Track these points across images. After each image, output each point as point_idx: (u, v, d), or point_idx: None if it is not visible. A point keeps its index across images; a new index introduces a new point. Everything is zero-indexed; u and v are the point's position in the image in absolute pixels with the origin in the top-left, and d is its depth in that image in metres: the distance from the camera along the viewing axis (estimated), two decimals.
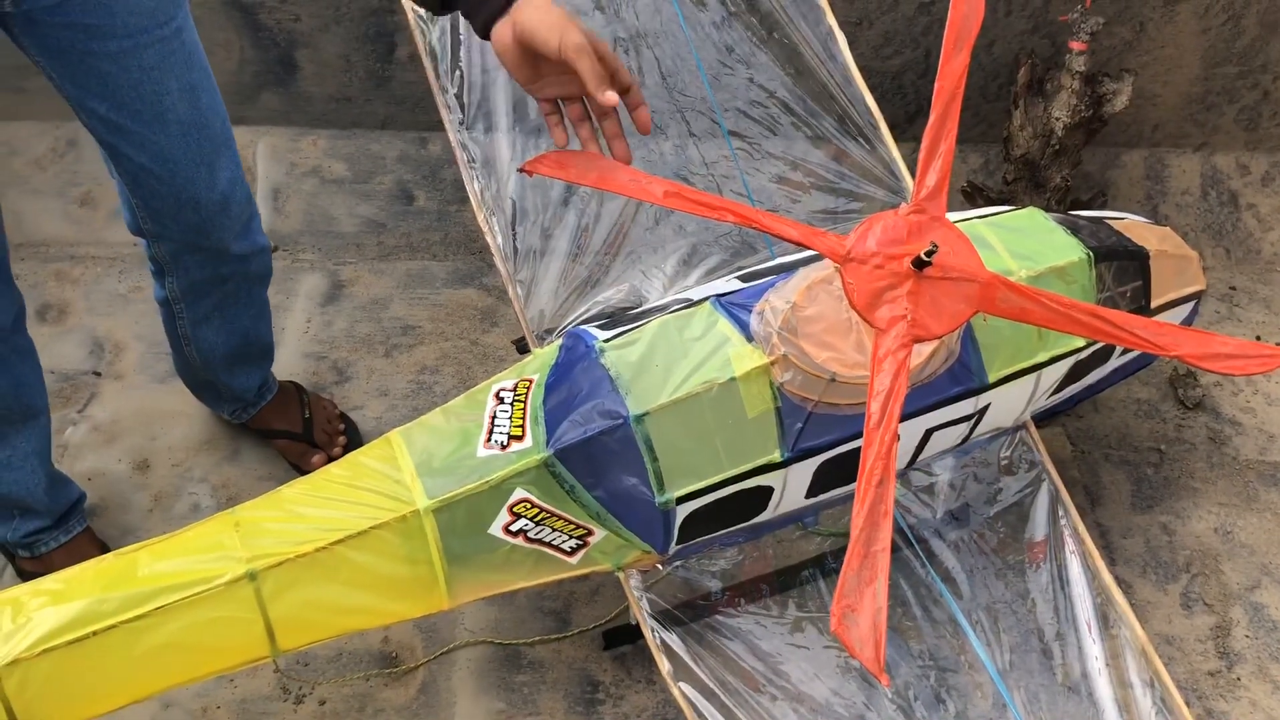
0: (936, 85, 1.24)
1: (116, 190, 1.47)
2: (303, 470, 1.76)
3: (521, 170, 1.23)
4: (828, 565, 1.50)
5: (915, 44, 2.14)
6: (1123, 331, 1.19)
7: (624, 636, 1.60)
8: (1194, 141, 2.30)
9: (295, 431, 1.79)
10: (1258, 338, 2.09)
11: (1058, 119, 2.00)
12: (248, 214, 1.52)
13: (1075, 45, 1.96)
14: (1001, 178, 2.13)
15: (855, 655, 0.96)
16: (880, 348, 1.10)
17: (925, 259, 1.09)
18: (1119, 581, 1.71)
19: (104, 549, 1.64)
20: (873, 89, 1.63)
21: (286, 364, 1.92)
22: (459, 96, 1.55)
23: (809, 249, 1.20)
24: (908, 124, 2.24)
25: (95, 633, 1.14)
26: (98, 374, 1.92)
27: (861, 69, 1.64)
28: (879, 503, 1.02)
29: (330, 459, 1.76)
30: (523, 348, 1.64)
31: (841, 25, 1.65)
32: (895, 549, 1.49)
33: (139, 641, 1.16)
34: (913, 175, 1.66)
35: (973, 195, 2.14)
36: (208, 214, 1.44)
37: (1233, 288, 2.19)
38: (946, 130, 1.22)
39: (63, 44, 1.26)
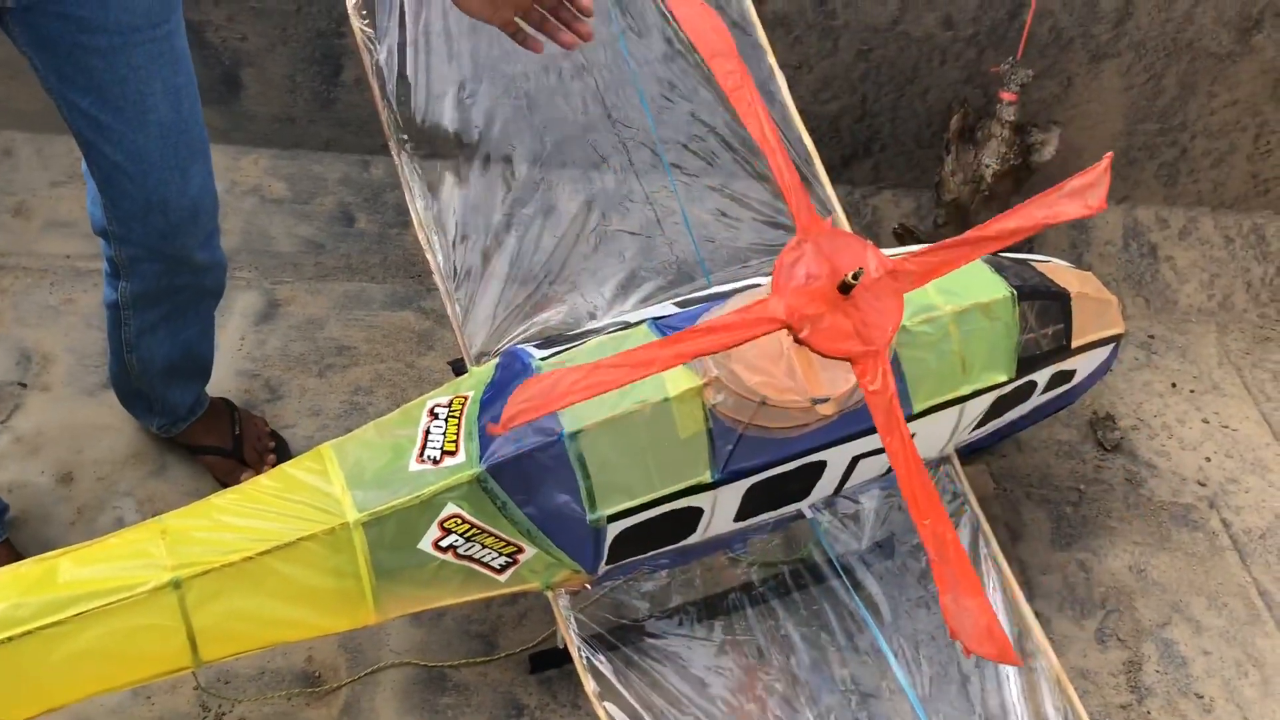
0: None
1: (86, 188, 1.47)
2: (230, 487, 1.74)
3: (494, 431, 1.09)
4: (754, 592, 1.52)
5: (852, 89, 2.20)
6: (998, 237, 1.21)
7: (551, 660, 1.60)
8: (1117, 194, 2.38)
9: (225, 448, 1.77)
10: (1173, 385, 2.17)
11: (988, 166, 2.07)
12: (213, 225, 1.53)
13: (1006, 96, 2.04)
14: (932, 221, 2.20)
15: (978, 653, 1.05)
16: (862, 370, 1.14)
17: (853, 281, 1.13)
18: (1037, 617, 1.75)
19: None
20: (810, 132, 1.68)
21: (218, 380, 1.90)
22: (404, 116, 1.57)
23: (752, 337, 1.18)
24: (843, 167, 2.29)
25: (10, 638, 1.12)
26: (23, 385, 1.89)
27: (799, 112, 1.68)
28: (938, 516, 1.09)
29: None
30: (459, 369, 1.65)
31: (781, 68, 1.70)
32: (822, 578, 1.52)
33: (56, 648, 1.14)
34: (847, 214, 1.71)
35: (904, 237, 2.19)
36: (176, 219, 1.45)
37: (1151, 335, 2.26)
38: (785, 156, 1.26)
39: (54, 35, 1.26)
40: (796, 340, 1.15)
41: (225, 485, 1.76)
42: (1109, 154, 1.27)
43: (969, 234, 1.21)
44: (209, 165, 1.46)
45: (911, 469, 1.10)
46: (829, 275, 1.14)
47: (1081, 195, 1.22)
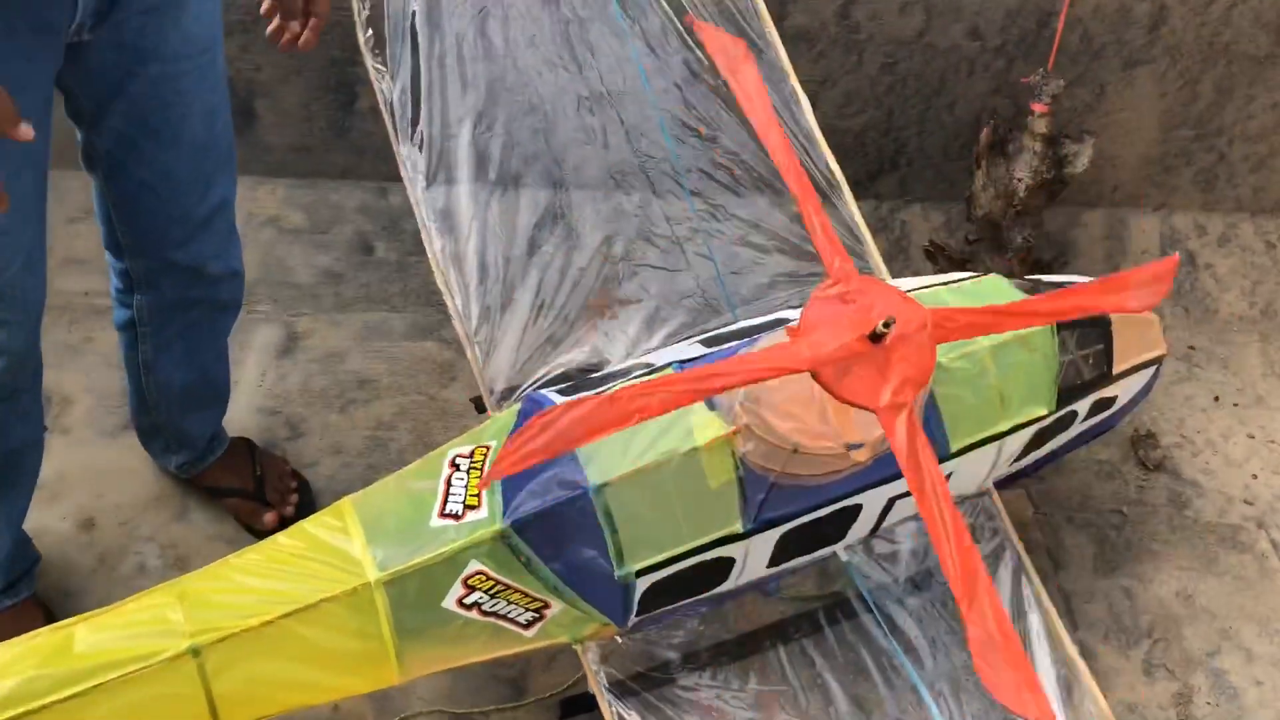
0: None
1: (95, 205, 1.45)
2: (253, 529, 1.72)
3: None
4: (788, 634, 1.48)
5: (878, 103, 2.15)
6: (1049, 311, 1.28)
7: (581, 706, 1.57)
8: (1153, 202, 2.32)
9: (246, 489, 1.74)
10: (1216, 398, 2.10)
11: (1020, 180, 2.01)
12: (229, 235, 1.51)
13: (1037, 107, 1.98)
14: (963, 237, 2.14)
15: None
16: (887, 423, 1.10)
17: (883, 330, 1.09)
18: (1081, 647, 1.70)
19: (48, 614, 1.58)
20: (835, 147, 1.63)
21: (238, 419, 1.88)
22: (420, 150, 1.53)
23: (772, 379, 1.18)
24: (870, 181, 2.24)
25: (27, 713, 1.09)
26: (44, 428, 1.87)
27: (824, 128, 1.64)
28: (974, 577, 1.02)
29: (282, 518, 1.71)
30: (481, 406, 1.62)
31: (805, 84, 1.65)
32: (854, 614, 1.47)
33: None
34: (876, 230, 1.66)
35: (934, 255, 2.14)
36: (192, 228, 1.43)
37: (1191, 347, 2.20)
38: (814, 202, 1.26)
39: (106, 64, 1.24)
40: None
41: (248, 528, 1.74)
42: (1176, 256, 1.37)
43: (1017, 304, 1.22)
44: (233, 177, 1.45)
45: (954, 538, 1.05)
46: (860, 323, 1.10)
47: (1146, 288, 1.27)
